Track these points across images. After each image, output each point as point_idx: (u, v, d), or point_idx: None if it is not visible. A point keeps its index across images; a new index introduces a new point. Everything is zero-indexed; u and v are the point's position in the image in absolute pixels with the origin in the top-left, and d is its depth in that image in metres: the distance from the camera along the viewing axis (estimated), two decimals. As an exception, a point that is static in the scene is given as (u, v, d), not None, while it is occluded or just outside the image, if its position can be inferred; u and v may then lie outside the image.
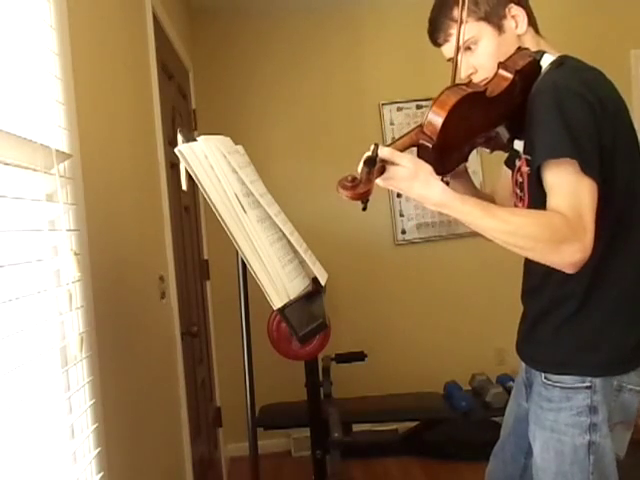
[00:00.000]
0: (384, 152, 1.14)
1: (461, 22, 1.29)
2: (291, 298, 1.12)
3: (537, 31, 1.38)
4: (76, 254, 1.08)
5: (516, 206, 1.39)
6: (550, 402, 1.28)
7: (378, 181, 1.16)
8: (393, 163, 1.14)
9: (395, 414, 3.29)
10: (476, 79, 1.34)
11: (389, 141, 4.04)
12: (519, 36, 1.34)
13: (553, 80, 1.22)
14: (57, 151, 1.06)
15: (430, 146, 1.21)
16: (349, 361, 3.11)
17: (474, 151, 1.42)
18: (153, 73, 2.15)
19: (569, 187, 1.14)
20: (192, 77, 3.27)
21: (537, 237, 1.12)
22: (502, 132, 1.34)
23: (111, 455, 1.26)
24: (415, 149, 1.24)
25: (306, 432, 2.67)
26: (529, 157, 1.28)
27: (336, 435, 2.38)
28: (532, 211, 1.16)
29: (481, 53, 1.34)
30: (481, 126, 1.31)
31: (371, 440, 3.51)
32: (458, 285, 3.63)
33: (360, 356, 3.10)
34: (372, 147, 1.11)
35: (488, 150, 1.41)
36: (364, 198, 1.13)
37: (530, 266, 1.41)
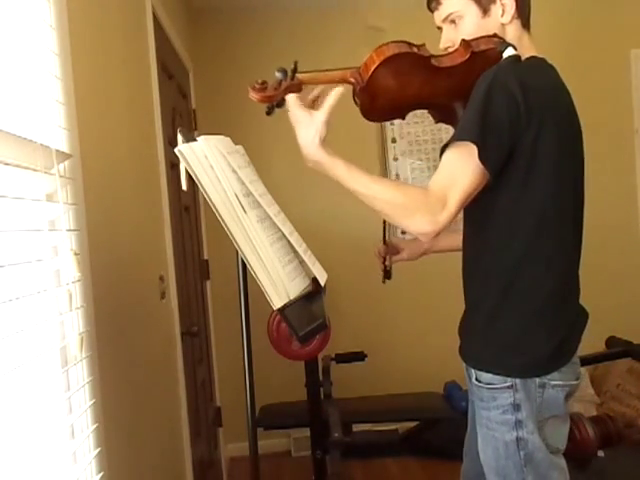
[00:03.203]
0: (305, 78, 1.25)
1: None
2: (291, 298, 1.12)
3: (525, 25, 1.38)
4: (76, 254, 1.08)
5: None
6: (482, 401, 1.34)
7: (289, 99, 1.25)
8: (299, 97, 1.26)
9: (395, 414, 3.29)
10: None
11: (389, 142, 4.00)
12: (503, 25, 1.35)
13: (495, 72, 1.24)
14: (57, 151, 1.06)
15: (358, 87, 1.28)
16: (349, 361, 3.10)
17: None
18: (153, 73, 2.15)
19: (451, 168, 1.22)
20: (192, 77, 3.27)
21: (392, 202, 1.24)
22: (458, 109, 1.37)
23: (111, 455, 1.26)
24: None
25: (306, 432, 2.67)
26: None
27: (336, 435, 2.38)
28: (395, 181, 1.30)
29: (461, 30, 1.36)
30: (421, 91, 1.33)
31: (371, 440, 3.51)
32: (458, 285, 3.62)
33: (360, 356, 3.09)
34: (292, 66, 1.20)
35: (434, 120, 1.46)
36: (269, 102, 1.22)
37: (463, 261, 1.46)
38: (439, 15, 1.39)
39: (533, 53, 1.35)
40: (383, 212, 1.27)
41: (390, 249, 1.82)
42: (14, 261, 0.95)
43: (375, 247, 1.81)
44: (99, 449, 1.19)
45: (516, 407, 1.28)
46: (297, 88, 1.23)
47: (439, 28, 1.41)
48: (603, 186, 3.51)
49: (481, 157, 1.18)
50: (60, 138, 1.15)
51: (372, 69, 1.25)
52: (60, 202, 1.07)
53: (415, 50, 1.28)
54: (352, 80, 1.29)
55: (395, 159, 3.58)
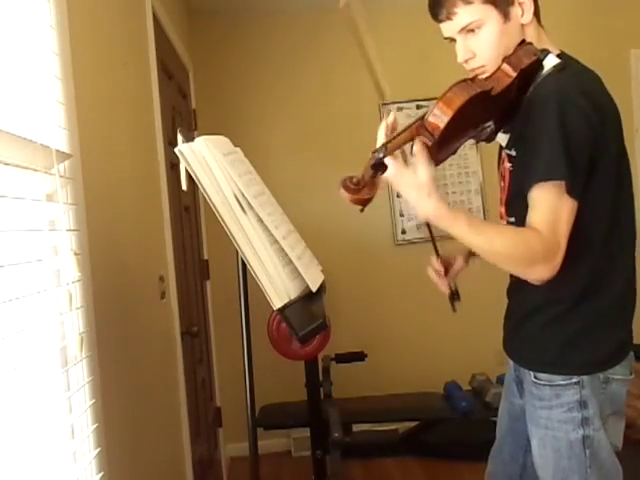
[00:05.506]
0: (416, 146, 1.14)
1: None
2: (291, 298, 1.12)
3: (539, 22, 1.35)
4: (76, 254, 1.08)
5: (500, 197, 1.41)
6: (541, 400, 1.30)
7: (391, 168, 1.14)
8: (411, 160, 1.15)
9: (395, 414, 3.29)
10: (472, 65, 1.31)
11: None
12: (523, 26, 1.30)
13: (556, 88, 1.21)
14: (57, 151, 1.06)
15: (430, 144, 1.17)
16: (349, 361, 3.10)
17: (475, 154, 1.42)
18: (153, 73, 2.15)
19: (551, 204, 1.19)
20: (192, 77, 3.27)
21: (515, 257, 1.20)
22: (489, 124, 1.33)
23: (111, 455, 1.26)
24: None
25: (306, 432, 2.67)
26: (511, 152, 1.31)
27: (336, 435, 2.38)
28: (512, 230, 1.25)
29: (483, 39, 1.28)
30: (478, 122, 1.30)
31: (371, 440, 3.51)
32: (458, 285, 3.63)
33: (360, 356, 3.10)
34: (380, 150, 1.07)
35: (474, 141, 1.40)
36: (364, 205, 1.11)
37: None
38: (453, 26, 1.30)
39: (554, 49, 1.31)
40: (500, 263, 1.22)
41: (446, 262, 1.56)
42: (14, 261, 0.95)
43: (429, 268, 1.55)
44: (99, 449, 1.19)
45: (583, 404, 1.25)
46: (385, 168, 1.13)
47: (447, 39, 1.34)
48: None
49: (570, 191, 1.18)
50: (60, 138, 1.15)
51: (445, 122, 1.15)
52: (60, 202, 1.07)
53: (479, 89, 1.19)
54: (424, 140, 1.17)
55: (395, 159, 3.57)
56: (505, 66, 1.23)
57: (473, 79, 1.24)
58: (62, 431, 1.08)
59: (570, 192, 1.18)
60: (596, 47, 3.58)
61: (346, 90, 3.62)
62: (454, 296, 1.54)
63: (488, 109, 1.27)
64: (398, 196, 3.61)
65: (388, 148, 1.13)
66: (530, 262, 1.19)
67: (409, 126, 1.19)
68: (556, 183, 1.18)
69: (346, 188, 1.09)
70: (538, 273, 1.19)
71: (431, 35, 1.40)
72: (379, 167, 1.09)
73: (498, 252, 1.21)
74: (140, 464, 1.59)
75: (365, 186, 1.09)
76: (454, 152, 1.38)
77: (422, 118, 1.18)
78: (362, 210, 1.15)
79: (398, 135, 1.18)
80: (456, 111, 1.15)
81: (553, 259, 1.17)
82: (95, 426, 1.18)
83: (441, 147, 1.22)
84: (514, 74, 1.22)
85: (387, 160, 1.14)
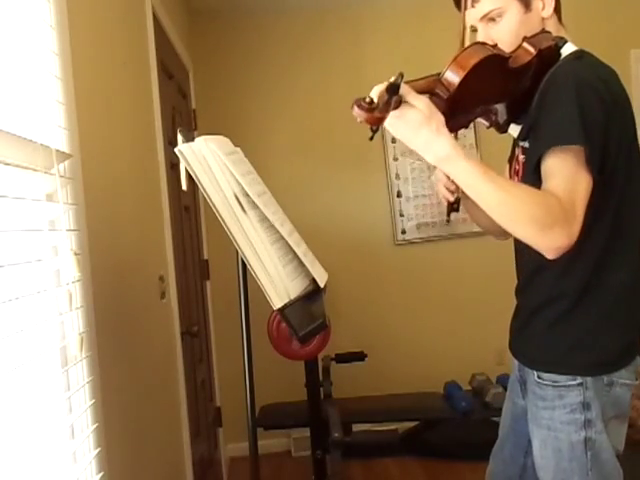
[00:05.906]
0: (402, 87, 1.08)
1: None
2: (291, 298, 1.12)
3: (560, 19, 1.36)
4: (76, 254, 1.08)
5: None
6: (544, 401, 1.29)
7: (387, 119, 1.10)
8: (407, 103, 1.09)
9: (395, 414, 3.29)
10: None
11: (389, 142, 3.99)
12: (543, 19, 1.32)
13: (573, 71, 1.21)
14: (57, 151, 1.06)
15: (445, 97, 1.17)
16: (349, 361, 3.11)
17: (476, 143, 1.40)
18: (153, 73, 2.15)
19: (568, 173, 1.13)
20: (192, 77, 3.27)
21: (532, 214, 1.10)
22: (501, 111, 1.33)
23: (111, 455, 1.26)
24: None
25: (306, 432, 2.67)
26: (524, 144, 1.29)
27: (336, 435, 2.37)
28: (530, 187, 1.14)
29: (503, 28, 1.30)
30: (492, 94, 1.29)
31: (371, 440, 3.51)
32: (458, 285, 3.63)
33: (360, 356, 3.10)
34: (396, 75, 1.05)
35: (487, 123, 1.38)
36: (377, 124, 1.08)
37: (523, 261, 1.41)
38: (475, 13, 1.32)
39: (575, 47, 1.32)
40: (514, 222, 1.12)
41: None
42: (14, 261, 0.95)
43: (437, 175, 1.48)
44: (99, 449, 1.19)
45: (586, 406, 1.24)
46: (399, 104, 1.09)
47: (466, 27, 1.36)
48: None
49: (588, 160, 1.13)
50: (60, 138, 1.15)
51: (461, 77, 1.15)
52: (60, 202, 1.07)
53: (496, 51, 1.22)
54: (437, 91, 1.17)
55: (395, 159, 3.58)
56: (525, 44, 1.25)
57: (494, 45, 1.26)
58: (62, 431, 1.08)
59: (589, 161, 1.12)
60: (596, 47, 3.58)
61: (346, 89, 3.62)
62: (454, 206, 1.48)
63: (504, 84, 1.26)
64: (398, 196, 3.62)
65: (403, 84, 1.10)
66: (548, 223, 1.09)
67: (426, 77, 1.18)
68: (574, 148, 1.12)
69: (359, 106, 1.07)
70: (555, 238, 1.09)
71: (417, 38, 1.41)
72: (394, 91, 1.06)
73: (513, 206, 1.10)
74: (140, 464, 1.59)
75: (377, 107, 1.06)
76: (466, 126, 1.35)
77: (439, 74, 1.18)
78: (372, 137, 1.11)
79: (416, 80, 1.17)
80: (472, 67, 1.15)
81: (572, 224, 1.09)
82: (95, 426, 1.19)
83: (455, 110, 1.20)
84: (534, 52, 1.23)
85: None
